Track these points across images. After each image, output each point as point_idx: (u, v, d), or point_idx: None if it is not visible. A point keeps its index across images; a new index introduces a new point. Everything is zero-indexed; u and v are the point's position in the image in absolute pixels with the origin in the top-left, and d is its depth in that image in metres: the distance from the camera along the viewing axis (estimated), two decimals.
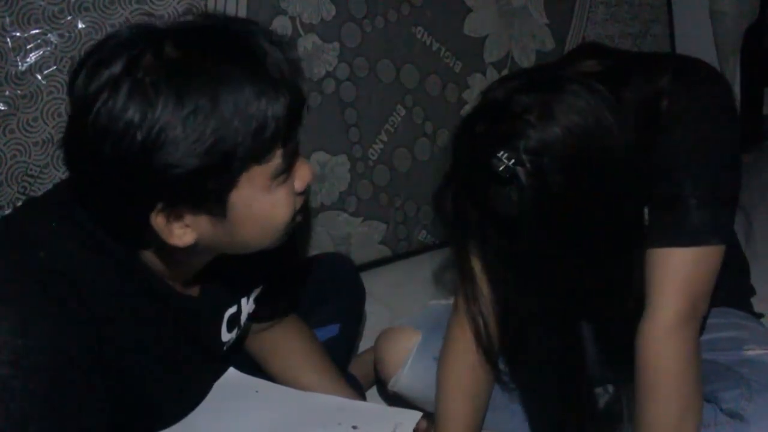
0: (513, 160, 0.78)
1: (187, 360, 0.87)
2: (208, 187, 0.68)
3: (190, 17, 0.72)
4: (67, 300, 0.70)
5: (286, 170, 0.73)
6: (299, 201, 0.78)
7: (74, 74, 0.68)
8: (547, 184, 0.78)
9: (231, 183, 0.70)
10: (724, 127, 0.88)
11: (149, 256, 0.77)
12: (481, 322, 0.98)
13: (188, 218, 0.71)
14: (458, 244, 0.96)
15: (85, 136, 0.66)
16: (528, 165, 0.78)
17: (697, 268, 0.87)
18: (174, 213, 0.70)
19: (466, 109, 1.72)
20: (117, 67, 0.65)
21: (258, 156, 0.69)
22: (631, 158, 0.82)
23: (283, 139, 0.71)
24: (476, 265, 0.97)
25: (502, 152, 0.78)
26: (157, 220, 0.70)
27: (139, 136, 0.64)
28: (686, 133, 0.86)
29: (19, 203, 1.27)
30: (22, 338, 0.65)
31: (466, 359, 1.00)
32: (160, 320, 0.81)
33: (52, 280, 0.69)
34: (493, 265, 0.93)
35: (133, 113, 0.64)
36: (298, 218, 0.79)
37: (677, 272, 0.87)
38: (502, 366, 1.03)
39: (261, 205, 0.73)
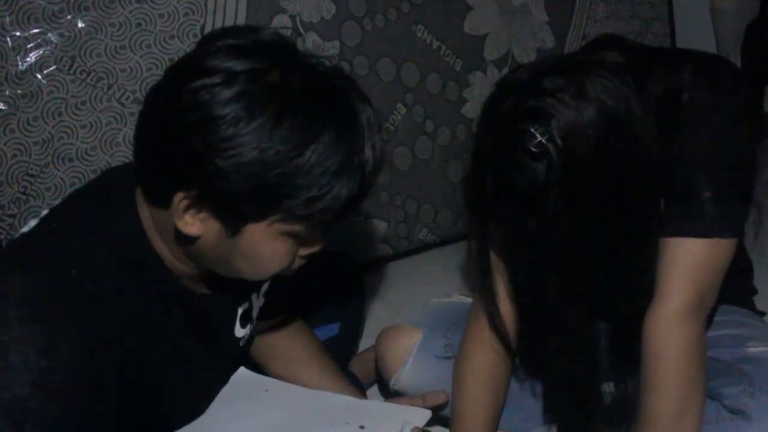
0: (546, 136, 0.78)
1: (204, 358, 0.87)
2: (238, 208, 0.70)
3: (315, 58, 0.73)
4: (103, 321, 0.70)
5: (304, 239, 0.76)
6: (299, 262, 0.80)
7: (203, 39, 0.70)
8: (577, 162, 0.78)
9: (258, 218, 0.71)
10: (742, 124, 0.88)
11: (165, 253, 0.79)
12: (498, 316, 0.98)
13: (204, 215, 0.72)
14: (479, 235, 0.95)
15: (177, 95, 0.68)
16: (560, 142, 0.78)
17: (708, 260, 0.88)
18: (197, 205, 0.71)
19: (467, 107, 1.72)
20: (242, 65, 0.67)
21: (297, 217, 0.71)
22: (654, 146, 0.83)
23: (326, 220, 0.72)
24: (495, 259, 0.96)
25: (536, 126, 0.78)
26: (181, 201, 0.71)
27: (217, 134, 0.66)
28: (705, 127, 0.87)
29: (19, 203, 1.28)
30: (46, 359, 0.65)
31: (485, 355, 1.01)
32: (178, 321, 0.81)
33: (83, 303, 0.69)
34: (511, 248, 0.93)
35: (228, 112, 0.66)
36: (298, 264, 0.81)
37: (687, 262, 0.87)
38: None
39: (263, 247, 0.74)
